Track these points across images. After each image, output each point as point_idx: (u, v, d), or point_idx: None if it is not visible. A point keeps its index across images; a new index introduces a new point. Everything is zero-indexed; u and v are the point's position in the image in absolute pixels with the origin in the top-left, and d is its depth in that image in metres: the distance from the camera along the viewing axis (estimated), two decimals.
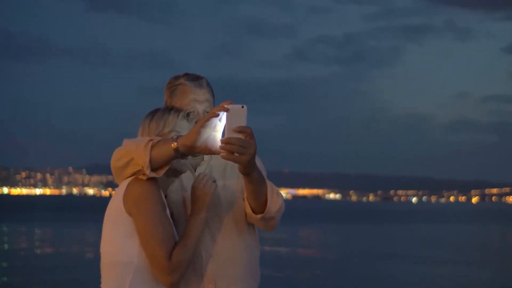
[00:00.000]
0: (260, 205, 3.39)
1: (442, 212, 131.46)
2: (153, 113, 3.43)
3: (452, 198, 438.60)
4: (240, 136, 3.01)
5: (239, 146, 3.00)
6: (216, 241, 3.52)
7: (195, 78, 3.56)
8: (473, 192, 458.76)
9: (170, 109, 3.43)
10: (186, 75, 3.58)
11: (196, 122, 3.47)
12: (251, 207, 3.42)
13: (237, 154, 3.02)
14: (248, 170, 3.15)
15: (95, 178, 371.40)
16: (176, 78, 3.58)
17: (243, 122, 3.02)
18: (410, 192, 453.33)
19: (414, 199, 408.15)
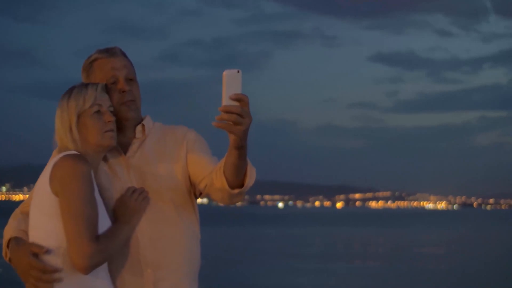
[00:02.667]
0: (238, 179, 3.20)
1: (308, 216, 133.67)
2: (69, 92, 3.24)
3: (317, 203, 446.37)
4: (237, 104, 2.88)
5: (237, 116, 2.88)
6: (155, 226, 3.34)
7: (107, 50, 3.42)
8: (337, 197, 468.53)
9: (86, 84, 3.26)
10: (98, 50, 3.44)
11: (119, 90, 3.34)
12: (228, 181, 3.21)
13: (232, 124, 2.89)
14: (243, 142, 3.00)
15: None
16: (89, 57, 3.43)
17: (238, 89, 2.88)
18: (276, 197, 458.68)
19: (280, 204, 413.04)
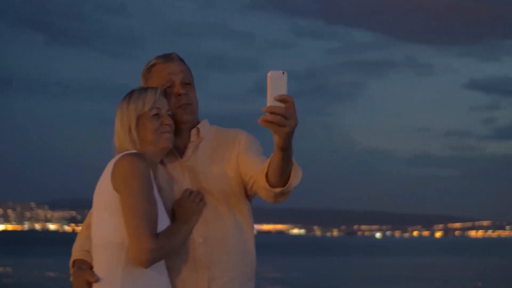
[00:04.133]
0: (282, 180, 3.21)
1: (409, 246, 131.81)
2: (129, 95, 3.37)
3: (415, 233, 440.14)
4: (282, 105, 2.87)
5: (281, 117, 2.87)
6: (208, 226, 3.42)
7: (165, 55, 3.54)
8: (436, 226, 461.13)
9: (145, 88, 3.39)
10: (156, 56, 3.56)
11: (175, 94, 3.45)
12: (269, 181, 3.24)
13: (277, 125, 2.89)
14: (287, 144, 2.99)
15: (58, 214, 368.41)
16: (147, 63, 3.56)
17: (284, 90, 2.87)
18: (373, 227, 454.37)
19: (378, 234, 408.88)
